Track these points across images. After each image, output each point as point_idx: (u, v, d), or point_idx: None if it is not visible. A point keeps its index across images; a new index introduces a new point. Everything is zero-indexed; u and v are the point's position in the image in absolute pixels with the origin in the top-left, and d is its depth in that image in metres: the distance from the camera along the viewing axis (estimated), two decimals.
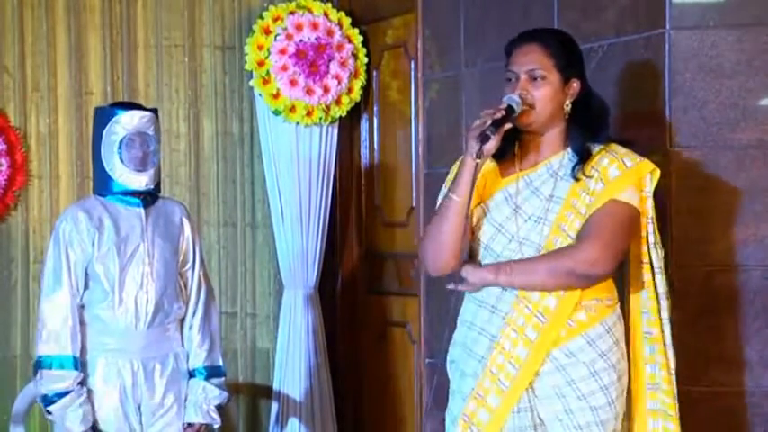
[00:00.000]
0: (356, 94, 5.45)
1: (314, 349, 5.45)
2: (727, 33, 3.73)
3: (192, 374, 4.14)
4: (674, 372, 3.25)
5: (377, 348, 5.58)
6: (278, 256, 5.51)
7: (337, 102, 5.40)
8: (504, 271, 3.13)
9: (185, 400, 4.12)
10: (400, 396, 5.41)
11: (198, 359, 4.15)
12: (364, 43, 5.49)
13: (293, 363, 5.43)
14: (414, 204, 5.24)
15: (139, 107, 4.14)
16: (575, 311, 3.13)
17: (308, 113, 5.35)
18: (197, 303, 4.18)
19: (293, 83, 5.30)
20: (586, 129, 3.21)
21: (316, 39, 5.34)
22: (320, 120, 5.38)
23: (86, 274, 4.01)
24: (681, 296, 3.72)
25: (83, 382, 3.97)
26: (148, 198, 4.10)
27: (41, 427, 5.18)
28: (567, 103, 3.21)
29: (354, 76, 5.43)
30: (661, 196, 3.76)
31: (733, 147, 3.73)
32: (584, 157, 3.18)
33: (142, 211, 4.07)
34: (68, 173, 5.36)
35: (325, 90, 5.33)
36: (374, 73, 5.55)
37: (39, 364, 3.97)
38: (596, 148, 3.20)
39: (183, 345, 4.15)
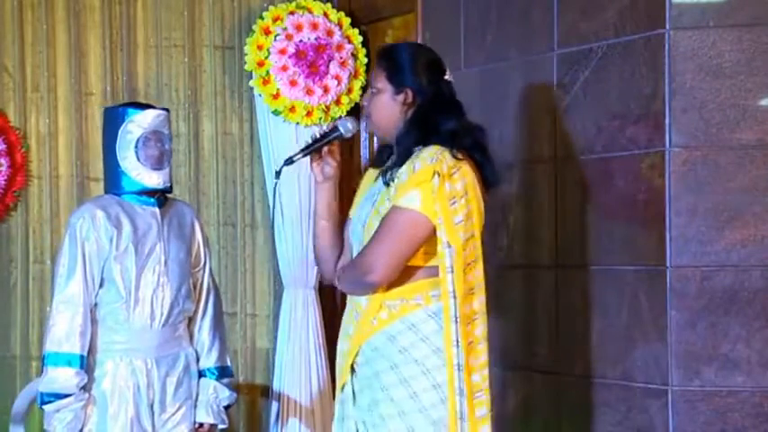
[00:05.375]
0: (356, 95, 5.44)
1: (314, 349, 5.44)
2: (727, 33, 3.73)
3: (202, 374, 4.15)
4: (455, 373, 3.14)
5: None
6: (278, 256, 5.50)
7: (337, 102, 5.40)
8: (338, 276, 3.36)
9: (196, 399, 4.13)
10: None
11: (209, 360, 4.16)
12: (364, 43, 5.48)
13: (293, 363, 5.43)
14: None
15: (153, 106, 4.15)
16: (378, 311, 3.22)
17: (308, 114, 5.35)
18: (207, 305, 4.19)
19: (293, 83, 5.29)
20: (411, 134, 3.24)
21: (315, 39, 5.33)
22: (320, 120, 5.37)
23: (102, 272, 4.00)
24: (680, 296, 3.73)
25: (85, 387, 3.95)
26: (162, 198, 4.10)
27: (41, 427, 5.17)
28: (404, 110, 3.29)
29: (354, 76, 5.43)
30: (660, 196, 3.76)
31: (733, 147, 3.73)
32: (395, 161, 3.26)
33: (157, 210, 4.07)
34: (68, 173, 5.35)
35: (325, 90, 5.33)
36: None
37: (45, 360, 3.94)
38: (417, 151, 3.23)
39: (191, 344, 4.16)
